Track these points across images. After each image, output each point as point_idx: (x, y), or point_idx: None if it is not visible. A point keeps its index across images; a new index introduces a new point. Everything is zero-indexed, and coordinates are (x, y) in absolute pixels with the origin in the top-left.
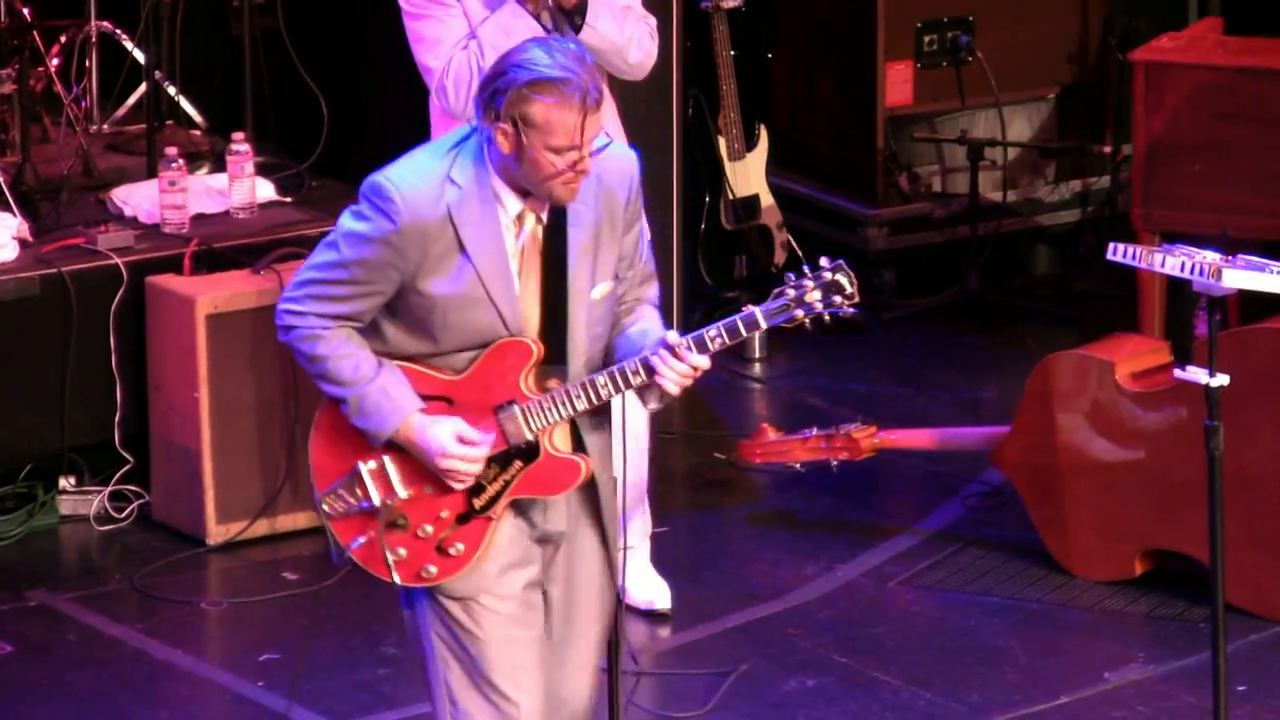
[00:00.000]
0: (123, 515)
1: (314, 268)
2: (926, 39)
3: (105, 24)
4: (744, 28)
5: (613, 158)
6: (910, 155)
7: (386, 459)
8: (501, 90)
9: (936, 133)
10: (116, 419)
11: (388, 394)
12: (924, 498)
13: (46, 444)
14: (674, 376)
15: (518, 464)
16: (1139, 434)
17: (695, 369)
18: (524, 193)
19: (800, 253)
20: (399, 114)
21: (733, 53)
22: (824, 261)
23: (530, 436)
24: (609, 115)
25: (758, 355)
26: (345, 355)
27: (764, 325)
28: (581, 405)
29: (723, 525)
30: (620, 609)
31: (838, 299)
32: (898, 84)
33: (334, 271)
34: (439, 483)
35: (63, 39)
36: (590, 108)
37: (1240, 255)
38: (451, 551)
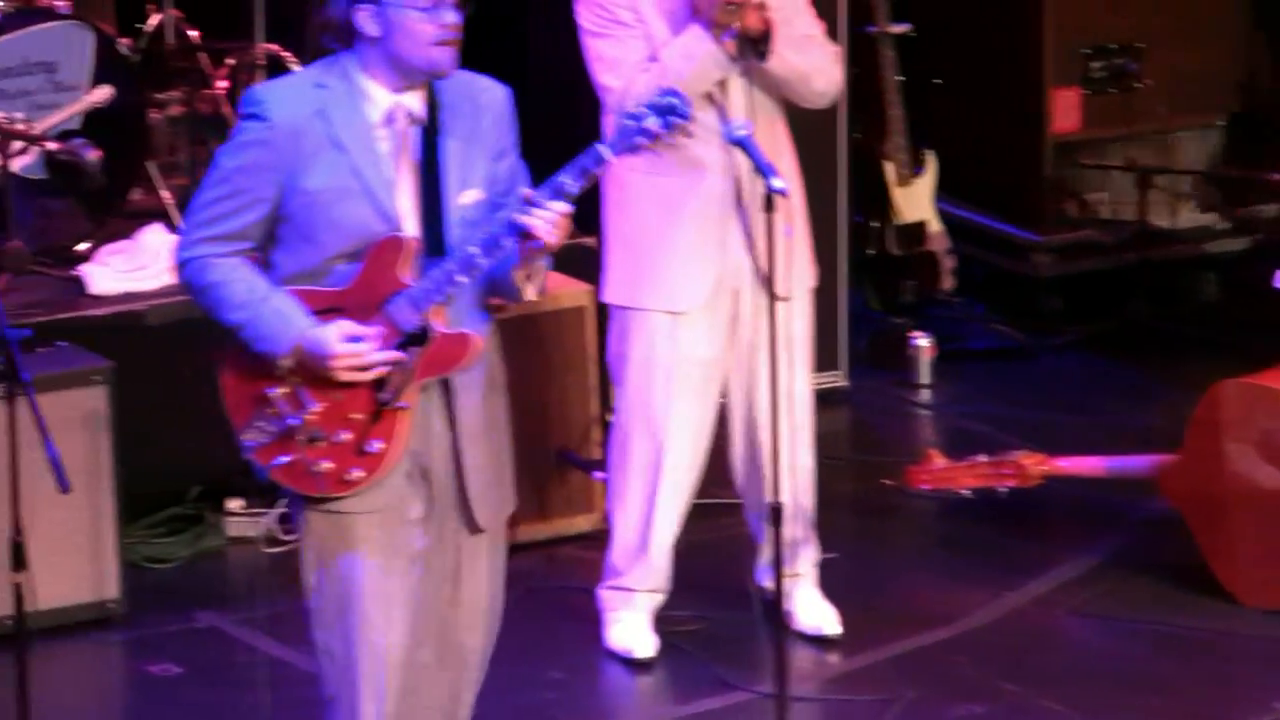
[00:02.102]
0: (291, 538)
1: (199, 195)
2: (1094, 65)
3: (272, 47)
4: (910, 53)
5: (488, 86)
6: (1078, 181)
7: (292, 379)
8: None
9: (1104, 159)
10: None
11: (280, 314)
12: (1092, 525)
13: (214, 466)
14: (542, 224)
15: (414, 349)
16: None
17: (560, 214)
18: (397, 88)
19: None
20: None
21: (900, 78)
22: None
23: (418, 320)
24: (783, 151)
25: (925, 381)
26: (237, 279)
27: (611, 157)
28: (462, 279)
29: (890, 552)
30: (785, 635)
31: (673, 119)
32: (1065, 110)
33: (217, 189)
34: (344, 388)
35: (230, 61)
36: None
37: None
38: (370, 450)
